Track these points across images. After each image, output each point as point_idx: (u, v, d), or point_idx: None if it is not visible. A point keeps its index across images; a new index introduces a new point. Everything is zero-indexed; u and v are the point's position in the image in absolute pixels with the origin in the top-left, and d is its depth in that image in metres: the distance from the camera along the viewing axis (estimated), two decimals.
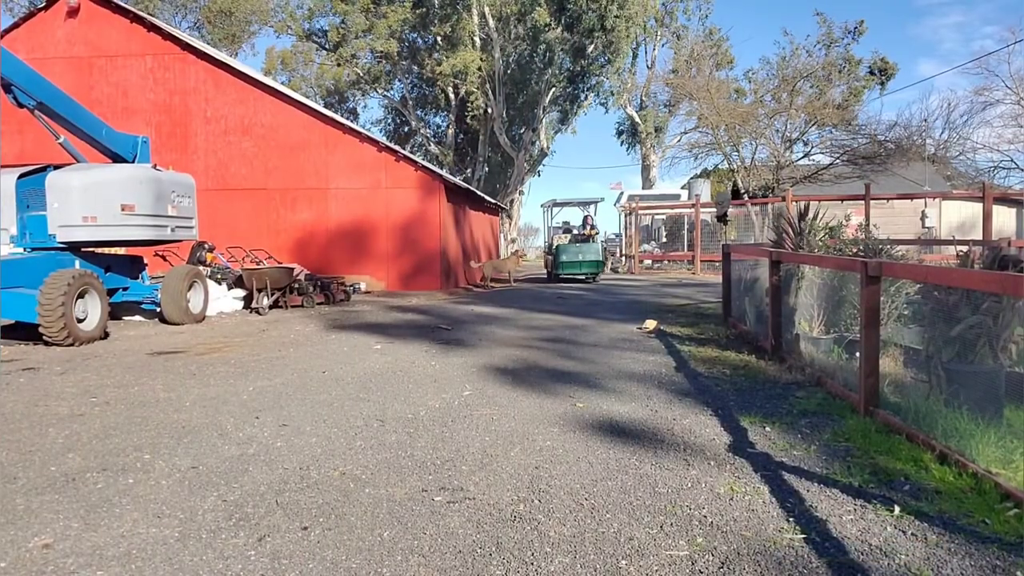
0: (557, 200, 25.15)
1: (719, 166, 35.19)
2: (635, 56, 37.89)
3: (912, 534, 3.18)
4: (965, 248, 6.18)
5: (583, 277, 20.84)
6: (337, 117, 20.83)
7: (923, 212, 22.69)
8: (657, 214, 31.59)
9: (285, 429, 5.04)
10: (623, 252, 29.21)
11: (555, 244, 22.19)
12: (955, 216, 23.83)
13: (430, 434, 4.89)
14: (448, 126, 38.68)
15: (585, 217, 23.21)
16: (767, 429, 4.90)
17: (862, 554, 3.01)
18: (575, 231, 23.48)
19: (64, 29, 17.81)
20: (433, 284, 18.06)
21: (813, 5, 55.09)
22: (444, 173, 21.57)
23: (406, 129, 40.80)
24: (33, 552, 3.08)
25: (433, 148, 39.12)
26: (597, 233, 22.60)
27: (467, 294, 18.27)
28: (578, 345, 8.84)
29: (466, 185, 24.61)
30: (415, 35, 36.34)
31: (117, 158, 11.36)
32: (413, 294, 16.98)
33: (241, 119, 18.13)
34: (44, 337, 8.91)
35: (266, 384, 6.61)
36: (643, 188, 37.82)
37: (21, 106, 9.64)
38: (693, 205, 25.53)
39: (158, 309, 11.40)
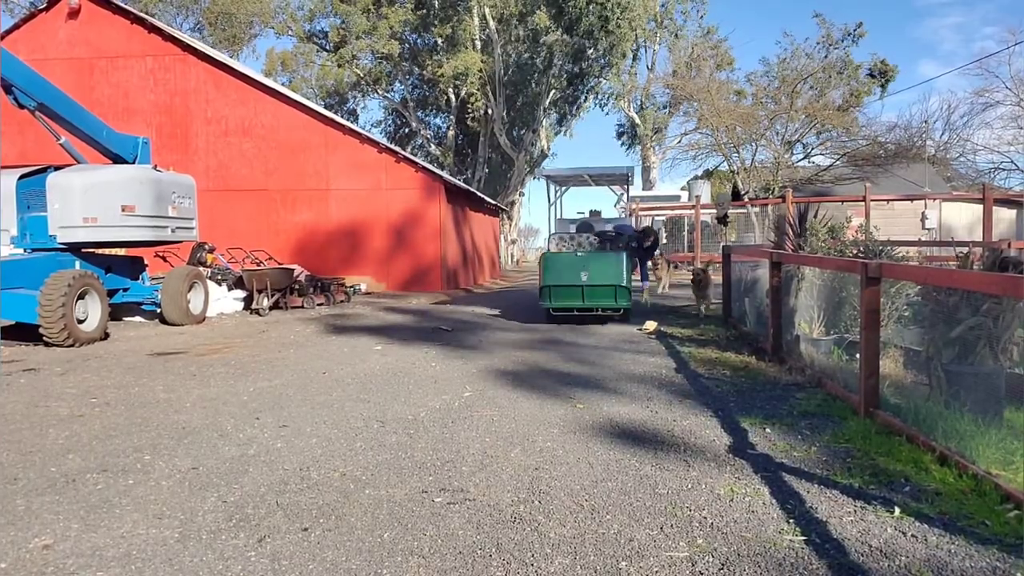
0: (563, 172, 14.31)
1: (719, 167, 35.22)
2: (635, 58, 37.92)
3: (912, 535, 3.18)
4: (965, 249, 6.18)
5: (595, 311, 10.71)
6: (337, 118, 20.85)
7: (923, 213, 22.69)
8: (657, 215, 31.58)
9: (285, 430, 5.03)
10: None
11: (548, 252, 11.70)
12: (955, 217, 23.83)
13: (430, 435, 4.89)
14: (448, 127, 38.69)
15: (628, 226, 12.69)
16: (767, 430, 4.90)
17: (862, 555, 3.01)
18: (591, 230, 12.64)
19: (65, 30, 17.83)
20: (434, 286, 18.07)
21: (814, 7, 55.15)
22: (444, 174, 21.57)
23: (406, 130, 40.83)
24: (33, 553, 3.08)
25: (433, 149, 39.14)
26: (655, 242, 12.69)
27: (468, 296, 18.27)
28: (578, 346, 8.84)
29: (466, 186, 24.62)
30: (416, 36, 36.37)
31: (118, 159, 11.37)
32: (414, 295, 16.98)
33: (242, 120, 18.14)
34: (44, 338, 8.91)
35: (266, 385, 6.61)
36: (643, 189, 37.81)
37: (22, 107, 9.65)
38: (693, 206, 25.51)
39: (158, 310, 11.41)
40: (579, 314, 10.75)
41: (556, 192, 15.26)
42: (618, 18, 29.36)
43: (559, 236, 12.16)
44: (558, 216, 13.56)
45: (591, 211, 14.09)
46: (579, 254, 10.76)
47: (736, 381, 6.59)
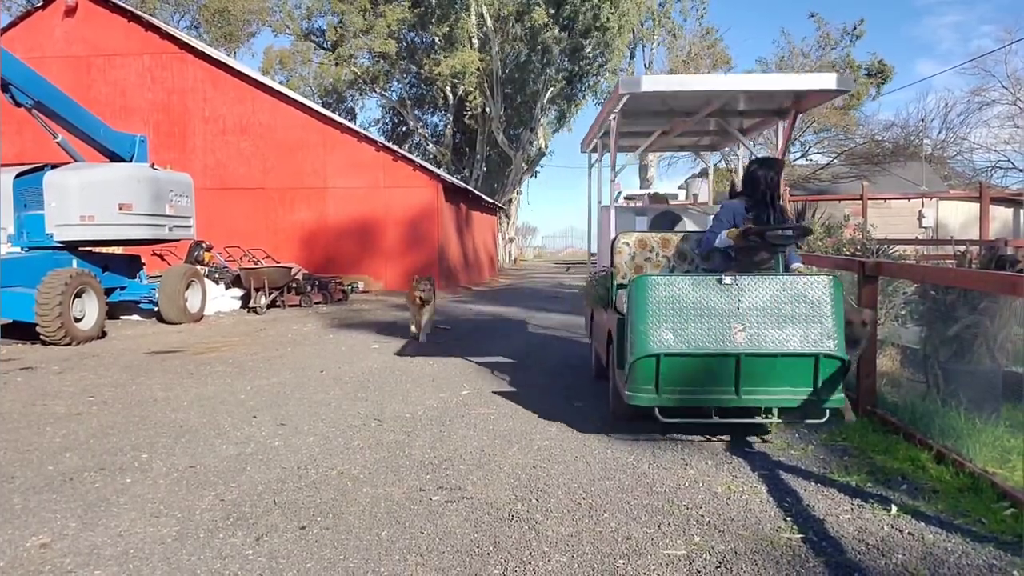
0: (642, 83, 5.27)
1: (716, 166, 35.17)
2: (632, 56, 37.88)
3: (909, 533, 3.19)
4: (962, 248, 6.20)
5: (761, 416, 4.55)
6: (335, 116, 20.85)
7: (920, 212, 22.72)
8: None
9: (283, 428, 5.03)
10: None
11: (620, 272, 5.67)
12: (952, 216, 23.87)
13: (428, 433, 4.89)
14: (446, 126, 38.63)
15: (768, 166, 5.08)
16: None
17: (859, 553, 3.01)
18: (674, 223, 6.85)
19: (62, 28, 17.80)
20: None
21: (812, 6, 55.08)
22: (442, 172, 21.57)
23: (404, 129, 40.76)
24: (31, 551, 3.08)
25: (431, 148, 39.08)
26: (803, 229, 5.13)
27: (467, 293, 18.27)
28: (577, 343, 8.83)
29: (464, 185, 24.62)
30: (413, 35, 36.31)
31: (115, 157, 11.36)
32: None
33: (239, 118, 18.12)
34: (42, 336, 8.90)
35: (264, 383, 6.61)
36: (641, 188, 37.77)
37: (19, 105, 9.64)
38: (692, 204, 25.54)
39: (156, 308, 11.39)
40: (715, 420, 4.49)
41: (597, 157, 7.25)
42: (609, 13, 29.33)
43: (634, 238, 5.84)
44: (601, 200, 7.09)
45: (653, 194, 8.55)
46: (725, 279, 4.36)
47: None
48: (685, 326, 4.21)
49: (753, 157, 5.47)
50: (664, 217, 7.18)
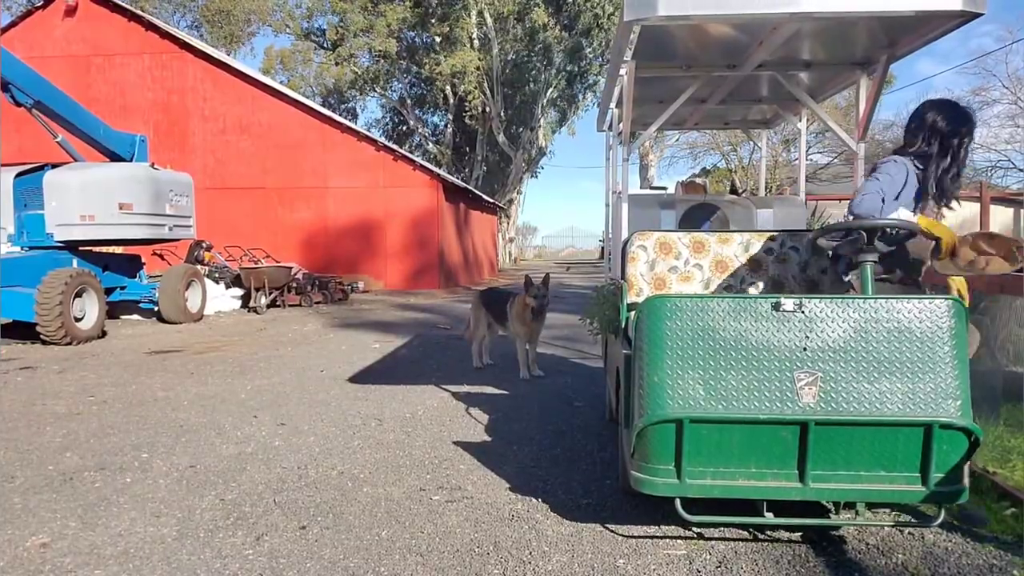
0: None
1: (717, 165, 35.22)
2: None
3: (909, 533, 3.18)
4: None
5: (830, 511, 3.09)
6: (335, 116, 20.88)
7: None
8: None
9: (283, 428, 5.03)
10: None
11: (633, 287, 4.13)
12: (952, 216, 23.85)
13: (428, 433, 4.89)
14: (446, 125, 38.63)
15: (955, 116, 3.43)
16: None
17: (859, 553, 3.01)
18: (708, 214, 5.78)
19: (62, 28, 17.82)
20: (432, 283, 18.08)
21: None
22: (442, 172, 21.58)
23: (404, 128, 40.77)
24: (31, 551, 3.08)
25: (431, 147, 39.08)
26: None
27: (467, 293, 18.27)
28: (578, 341, 8.84)
29: (464, 184, 24.63)
30: (413, 34, 36.32)
31: (115, 157, 11.37)
32: (412, 293, 16.98)
33: (239, 118, 18.13)
34: (42, 336, 8.91)
35: (264, 383, 6.61)
36: (641, 187, 37.68)
37: (19, 104, 9.65)
38: None
39: (156, 308, 11.41)
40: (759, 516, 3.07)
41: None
42: (610, 15, 29.38)
43: (654, 240, 4.21)
44: (615, 191, 5.63)
45: (685, 182, 7.43)
46: (784, 303, 2.78)
47: None
48: (723, 375, 2.80)
49: (822, 131, 3.51)
50: (700, 211, 5.66)
